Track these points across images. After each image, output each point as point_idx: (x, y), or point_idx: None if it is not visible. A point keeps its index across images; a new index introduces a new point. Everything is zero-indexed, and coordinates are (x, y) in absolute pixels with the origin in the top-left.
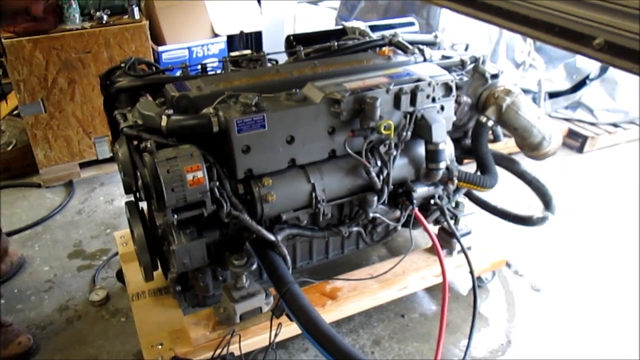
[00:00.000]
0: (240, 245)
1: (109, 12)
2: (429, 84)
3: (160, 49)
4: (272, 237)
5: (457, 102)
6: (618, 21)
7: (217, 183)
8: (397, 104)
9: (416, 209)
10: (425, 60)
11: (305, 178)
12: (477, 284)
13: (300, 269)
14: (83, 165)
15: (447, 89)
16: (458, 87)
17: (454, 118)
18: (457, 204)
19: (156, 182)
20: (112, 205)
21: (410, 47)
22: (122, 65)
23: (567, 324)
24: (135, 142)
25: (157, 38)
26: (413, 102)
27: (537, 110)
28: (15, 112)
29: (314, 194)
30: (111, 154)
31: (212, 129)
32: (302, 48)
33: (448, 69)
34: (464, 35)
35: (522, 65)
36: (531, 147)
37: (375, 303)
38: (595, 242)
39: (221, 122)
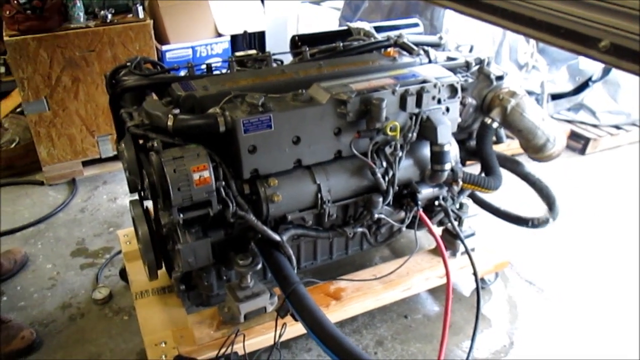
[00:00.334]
0: (245, 245)
1: (113, 11)
2: (435, 86)
3: (164, 48)
4: (277, 238)
5: (462, 104)
6: (624, 23)
7: (223, 183)
8: (403, 105)
9: (421, 210)
10: (430, 61)
11: (311, 179)
12: (481, 285)
13: (304, 269)
14: (86, 164)
15: (453, 90)
16: (463, 89)
17: (459, 119)
18: (461, 205)
19: (163, 181)
20: (115, 203)
21: (416, 48)
22: (128, 64)
23: (569, 325)
24: (141, 141)
25: (161, 37)
26: (419, 103)
27: (542, 112)
28: (18, 110)
29: (319, 195)
30: (114, 153)
31: (219, 129)
32: (307, 48)
33: (453, 70)
34: (468, 36)
35: (525, 67)
36: (535, 149)
37: (379, 304)
38: (597, 244)
39: (228, 122)
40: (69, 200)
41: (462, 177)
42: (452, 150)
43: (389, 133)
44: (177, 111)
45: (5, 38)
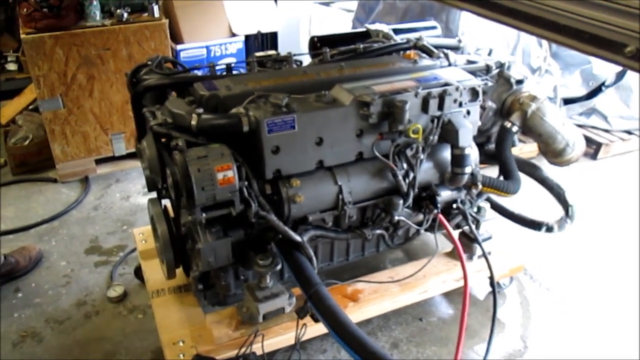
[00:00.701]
0: (264, 245)
1: (129, 10)
2: (457, 89)
3: (179, 47)
4: (298, 238)
5: (482, 107)
6: None
7: (246, 183)
8: (425, 107)
9: (439, 213)
10: (450, 64)
11: (333, 180)
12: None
13: (320, 270)
14: (99, 162)
15: (474, 93)
16: (483, 92)
17: (479, 123)
18: (478, 208)
19: (187, 181)
20: (128, 202)
21: (436, 51)
22: (149, 63)
23: (583, 329)
24: (163, 140)
25: (175, 36)
26: (441, 106)
27: (562, 116)
28: (31, 107)
29: (340, 196)
30: (127, 151)
31: (242, 129)
32: (328, 50)
33: (473, 73)
34: (482, 39)
35: (537, 71)
36: (555, 153)
37: (396, 306)
38: (610, 249)
39: (251, 122)
40: (82, 198)
41: (481, 180)
42: (473, 153)
43: (412, 135)
44: (200, 110)
45: (22, 36)
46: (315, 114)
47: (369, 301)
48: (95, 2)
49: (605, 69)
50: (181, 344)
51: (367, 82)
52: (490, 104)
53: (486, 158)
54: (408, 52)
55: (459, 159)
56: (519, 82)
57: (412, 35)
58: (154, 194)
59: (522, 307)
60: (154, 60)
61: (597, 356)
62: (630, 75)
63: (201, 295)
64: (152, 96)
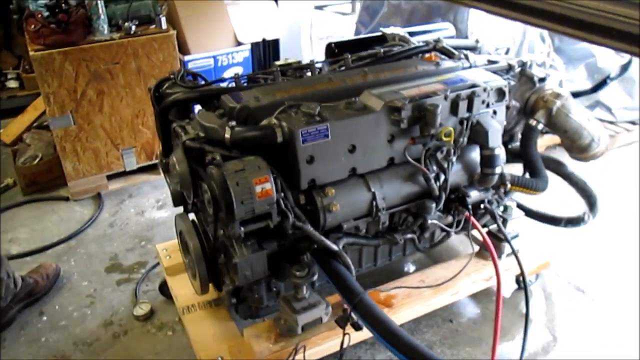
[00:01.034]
0: (297, 255)
1: (137, 23)
2: (484, 90)
3: (186, 58)
4: (335, 247)
5: (506, 107)
6: None
7: (282, 194)
8: (454, 110)
9: (470, 214)
10: (470, 65)
11: (366, 187)
12: (521, 286)
13: None
14: (110, 177)
15: (501, 93)
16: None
17: (505, 122)
18: (505, 207)
19: (226, 195)
20: (143, 217)
21: (456, 52)
22: (172, 76)
23: (610, 320)
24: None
25: (182, 47)
26: (470, 108)
27: (587, 112)
28: (35, 125)
29: (374, 203)
30: (138, 165)
31: (276, 140)
32: (349, 55)
33: (495, 73)
34: (490, 38)
35: (542, 66)
36: (580, 149)
37: (429, 309)
38: (627, 240)
39: (285, 132)
40: (97, 215)
41: (509, 179)
42: (502, 153)
43: (444, 139)
44: (233, 123)
45: (31, 53)
46: (348, 122)
47: (402, 306)
48: (102, 16)
49: (609, 62)
50: (220, 359)
51: (395, 87)
52: (513, 103)
53: (511, 157)
54: (430, 54)
55: (489, 160)
56: (542, 80)
57: (429, 37)
58: (180, 209)
59: (549, 302)
60: (176, 74)
61: (625, 346)
62: (634, 67)
63: (232, 309)
64: (175, 110)
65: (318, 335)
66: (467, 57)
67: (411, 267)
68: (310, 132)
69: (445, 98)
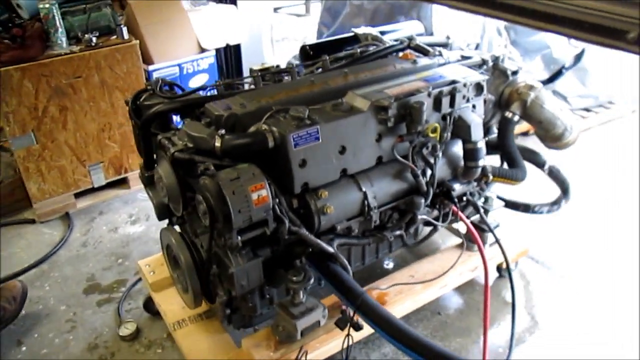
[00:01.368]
0: (290, 261)
1: (97, 34)
2: (464, 85)
3: (150, 68)
4: (331, 249)
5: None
6: None
7: (277, 200)
8: (437, 106)
9: (456, 207)
10: (445, 62)
11: (357, 187)
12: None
13: None
14: (78, 195)
15: (479, 88)
16: None
17: (483, 116)
18: (486, 199)
19: (222, 205)
20: (117, 233)
21: (431, 49)
22: (149, 87)
23: (588, 302)
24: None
25: (144, 57)
26: (452, 103)
27: (559, 102)
28: None
29: (366, 202)
30: (107, 181)
31: (268, 146)
32: (327, 57)
33: (469, 68)
34: (452, 33)
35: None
36: (554, 138)
37: (420, 304)
38: (596, 223)
39: (276, 137)
40: (67, 236)
41: (491, 171)
42: (484, 146)
43: (431, 135)
44: (223, 131)
45: None
46: (337, 123)
47: (395, 302)
48: (60, 29)
49: (564, 53)
50: None
51: (378, 87)
52: (489, 96)
53: (489, 149)
54: (406, 52)
55: (472, 153)
56: (514, 73)
57: (400, 36)
58: (159, 223)
59: (528, 287)
60: (154, 85)
61: (601, 330)
62: (586, 56)
63: (226, 320)
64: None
65: (317, 339)
66: (441, 54)
67: (390, 264)
68: (302, 135)
69: (429, 95)
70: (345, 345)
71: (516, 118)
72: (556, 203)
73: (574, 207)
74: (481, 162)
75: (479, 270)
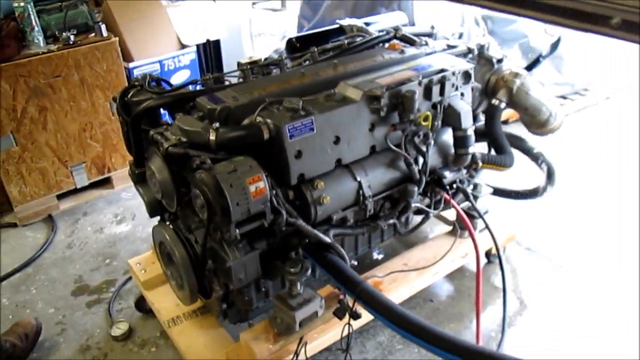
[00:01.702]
0: (286, 252)
1: (75, 32)
2: (453, 73)
3: (131, 65)
4: (328, 240)
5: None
6: (631, 1)
7: (274, 192)
8: (427, 95)
9: (447, 195)
10: (432, 51)
11: (352, 176)
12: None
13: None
14: (61, 197)
15: (467, 76)
16: None
17: (471, 103)
18: (475, 185)
19: (220, 198)
20: (103, 234)
21: (417, 39)
22: (136, 83)
23: (573, 284)
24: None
25: (124, 55)
26: (442, 91)
27: (543, 88)
28: None
29: (361, 191)
30: (90, 181)
31: (263, 138)
32: (315, 49)
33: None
34: (433, 23)
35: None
36: (539, 124)
37: (414, 291)
38: (578, 207)
39: (271, 129)
40: (51, 238)
41: (480, 158)
42: (473, 133)
43: (423, 123)
44: (217, 125)
45: None
46: (331, 114)
47: (390, 291)
48: (37, 28)
49: (541, 41)
50: None
51: (369, 77)
52: (476, 84)
53: (475, 137)
54: (393, 42)
55: (462, 140)
56: (500, 61)
57: (385, 26)
58: (146, 223)
59: (515, 272)
60: (142, 80)
61: (587, 312)
62: (562, 44)
63: (222, 315)
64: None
65: (315, 329)
66: (427, 44)
67: (380, 255)
68: (297, 126)
69: (420, 84)
70: (344, 334)
71: (503, 105)
72: (542, 189)
73: (555, 192)
74: (471, 149)
75: (470, 257)
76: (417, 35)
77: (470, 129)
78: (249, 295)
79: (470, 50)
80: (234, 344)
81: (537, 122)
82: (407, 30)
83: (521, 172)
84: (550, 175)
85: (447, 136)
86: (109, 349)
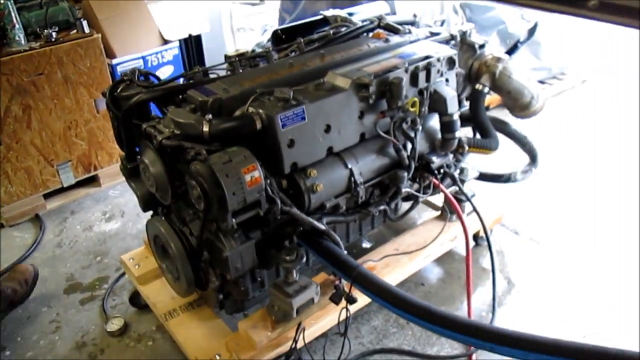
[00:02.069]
0: (280, 241)
1: (56, 29)
2: (438, 60)
3: (114, 62)
4: (323, 227)
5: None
6: None
7: (268, 181)
8: (414, 81)
9: (436, 180)
10: (416, 39)
11: (343, 164)
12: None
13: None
14: (47, 196)
15: (451, 62)
16: None
17: (455, 89)
18: (461, 170)
19: (216, 189)
20: (92, 232)
21: (401, 28)
22: (125, 78)
23: (558, 263)
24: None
25: (106, 51)
26: (428, 78)
27: (524, 72)
28: None
29: (352, 178)
30: (76, 180)
31: (256, 128)
32: (302, 40)
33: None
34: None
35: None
36: (522, 107)
37: (406, 275)
38: (561, 188)
39: (263, 119)
40: (40, 238)
41: (467, 142)
42: (459, 118)
43: (411, 109)
44: (210, 116)
45: None
46: (321, 103)
47: (384, 275)
48: (17, 25)
49: (518, 27)
50: (218, 357)
51: (356, 65)
52: (459, 70)
53: (460, 122)
54: (377, 31)
55: (449, 125)
56: (482, 46)
57: (368, 16)
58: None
59: (501, 253)
60: (131, 75)
61: (573, 289)
62: (539, 30)
63: (218, 306)
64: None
65: (311, 316)
66: (410, 32)
67: (368, 244)
68: (288, 116)
69: (406, 71)
70: (341, 319)
71: (486, 90)
72: (526, 171)
73: (537, 175)
74: (457, 134)
75: (458, 240)
76: (400, 23)
77: (456, 113)
78: (244, 285)
79: (452, 37)
80: (232, 333)
81: (520, 105)
82: (390, 19)
83: (500, 157)
84: (533, 158)
85: (434, 122)
86: (106, 345)
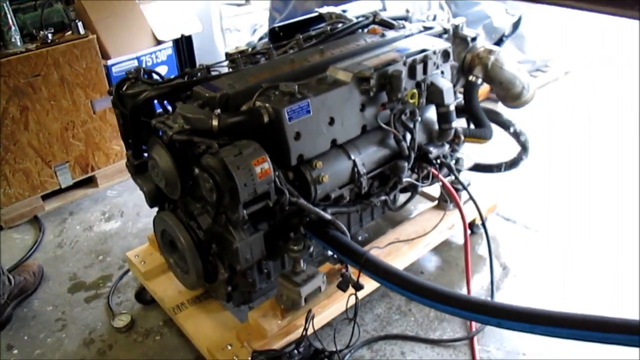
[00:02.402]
0: (286, 232)
1: (52, 30)
2: (434, 53)
3: (109, 62)
4: (329, 217)
5: None
6: None
7: (276, 173)
8: (412, 74)
9: (434, 169)
10: (411, 33)
11: (346, 155)
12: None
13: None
14: (45, 197)
15: (446, 55)
16: None
17: (451, 81)
18: (457, 160)
19: (229, 181)
20: (93, 231)
21: (395, 23)
22: (130, 76)
23: (551, 249)
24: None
25: (101, 52)
26: (425, 70)
27: (515, 62)
28: None
29: (355, 169)
30: (74, 181)
31: (263, 121)
32: (301, 36)
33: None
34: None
35: None
36: (514, 97)
37: (407, 263)
38: (554, 176)
39: (270, 113)
40: (40, 239)
41: (462, 132)
42: (454, 109)
43: (410, 101)
44: (219, 111)
45: None
46: (325, 96)
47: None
48: (14, 27)
49: (503, 21)
50: (229, 347)
51: (356, 60)
52: (453, 62)
53: (456, 113)
54: (373, 27)
55: (446, 116)
56: (474, 39)
57: (362, 12)
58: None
59: (495, 239)
60: (135, 73)
61: (569, 267)
62: (523, 24)
63: (226, 298)
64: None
65: (319, 304)
66: (404, 27)
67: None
68: (294, 109)
69: (404, 64)
70: (350, 305)
71: (479, 81)
72: (517, 160)
73: (538, 161)
74: (454, 124)
75: (456, 228)
76: (394, 19)
77: (452, 104)
78: (252, 277)
79: (445, 31)
80: (242, 324)
81: (511, 95)
82: (384, 15)
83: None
84: (524, 147)
85: (431, 113)
86: (113, 341)
